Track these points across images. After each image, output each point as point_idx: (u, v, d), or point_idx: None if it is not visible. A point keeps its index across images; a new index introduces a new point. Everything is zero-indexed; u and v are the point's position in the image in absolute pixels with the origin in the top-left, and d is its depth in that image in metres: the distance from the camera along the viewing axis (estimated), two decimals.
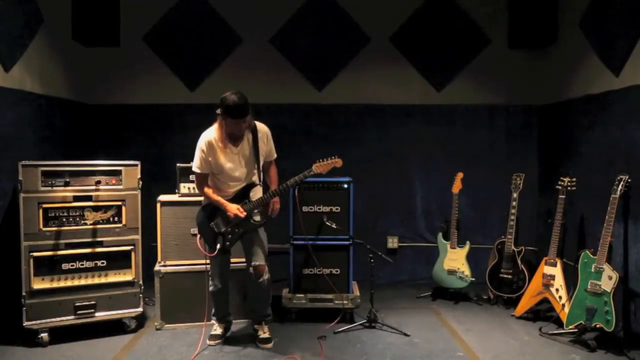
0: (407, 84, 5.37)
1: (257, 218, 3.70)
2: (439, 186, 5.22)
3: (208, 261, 3.74)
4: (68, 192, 3.76)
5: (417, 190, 5.43)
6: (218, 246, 3.57)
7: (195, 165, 3.59)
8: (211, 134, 3.57)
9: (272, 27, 5.28)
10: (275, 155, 3.78)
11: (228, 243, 3.62)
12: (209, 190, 3.61)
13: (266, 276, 3.73)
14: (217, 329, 3.84)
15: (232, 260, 3.85)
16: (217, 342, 3.77)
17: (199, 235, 3.72)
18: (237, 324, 4.04)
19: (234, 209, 3.53)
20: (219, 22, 5.27)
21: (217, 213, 3.62)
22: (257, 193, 3.70)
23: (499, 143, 5.38)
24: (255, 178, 3.70)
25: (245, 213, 3.55)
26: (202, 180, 3.64)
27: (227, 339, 3.85)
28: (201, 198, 3.74)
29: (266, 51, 5.28)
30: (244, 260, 3.85)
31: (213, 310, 3.86)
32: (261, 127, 3.67)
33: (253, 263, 3.69)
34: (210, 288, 3.77)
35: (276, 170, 3.81)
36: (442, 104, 5.37)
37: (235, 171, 3.60)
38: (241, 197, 3.64)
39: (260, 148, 3.64)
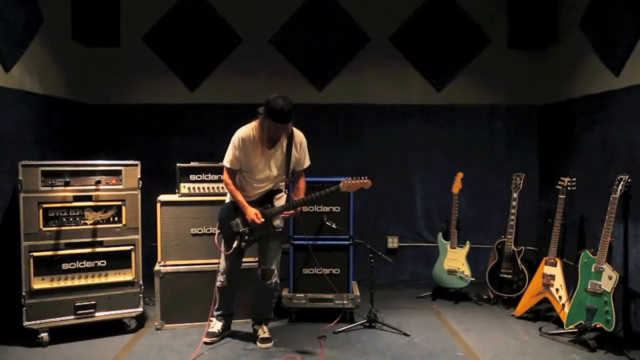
0: (407, 84, 5.37)
1: (277, 223, 3.68)
2: (439, 186, 5.22)
3: (217, 260, 3.76)
4: (68, 192, 3.76)
5: (417, 190, 5.43)
6: (234, 245, 3.57)
7: (226, 160, 3.59)
8: (247, 131, 3.56)
9: (272, 27, 5.29)
10: (307, 164, 3.74)
11: (244, 244, 3.61)
12: (234, 189, 3.60)
13: (274, 279, 3.74)
14: (215, 327, 3.82)
15: (244, 259, 3.84)
16: (213, 339, 3.76)
17: (218, 231, 3.72)
18: (237, 324, 4.04)
19: (252, 213, 3.52)
20: (219, 22, 5.27)
21: (239, 212, 3.61)
22: (281, 200, 3.68)
23: (499, 143, 5.39)
24: (282, 184, 3.68)
25: (263, 220, 3.53)
26: (230, 176, 3.62)
27: (226, 339, 3.84)
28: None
29: (266, 51, 5.29)
30: (254, 260, 3.86)
31: (216, 306, 3.85)
32: (298, 134, 3.66)
33: (263, 266, 3.71)
34: (218, 283, 3.78)
35: (305, 182, 3.78)
36: (442, 104, 5.37)
37: (262, 173, 3.59)
38: (264, 201, 3.63)
39: (293, 155, 3.62)
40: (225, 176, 3.64)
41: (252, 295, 3.89)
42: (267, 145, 3.54)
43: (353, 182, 3.55)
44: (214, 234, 3.85)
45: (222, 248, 3.68)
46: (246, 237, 3.60)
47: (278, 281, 3.80)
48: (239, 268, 3.79)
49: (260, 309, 3.86)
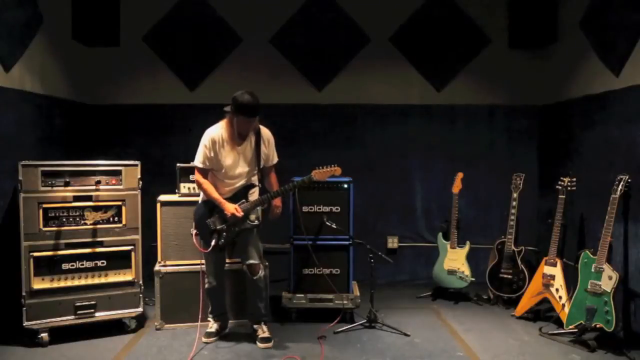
0: (407, 84, 5.37)
1: (253, 218, 3.71)
2: (439, 186, 5.22)
3: (197, 260, 3.78)
4: (68, 192, 3.76)
5: (417, 190, 5.43)
6: (213, 243, 3.60)
7: (197, 160, 3.64)
8: (216, 130, 3.63)
9: (272, 27, 5.29)
10: (276, 160, 3.82)
11: (223, 241, 3.64)
12: (209, 187, 3.63)
13: (262, 273, 3.76)
14: (213, 327, 3.86)
15: (233, 260, 3.86)
16: (212, 339, 3.79)
17: (195, 231, 3.74)
18: (237, 324, 4.04)
19: (231, 208, 3.56)
20: (219, 22, 5.27)
21: (215, 210, 3.65)
22: (255, 194, 3.74)
23: (499, 143, 5.38)
24: (254, 179, 3.74)
25: (242, 213, 3.58)
26: (203, 175, 3.67)
27: (226, 339, 3.85)
28: (199, 198, 3.77)
29: (266, 51, 5.29)
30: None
31: (210, 308, 3.89)
32: (265, 131, 3.73)
33: (247, 262, 3.72)
34: (206, 286, 3.81)
35: (275, 176, 3.86)
36: (442, 104, 5.37)
37: (234, 170, 3.64)
38: (239, 196, 3.68)
39: (262, 151, 3.69)
40: (198, 176, 3.68)
41: (246, 295, 3.89)
42: (237, 142, 3.61)
43: (323, 170, 3.64)
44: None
45: (202, 247, 3.70)
46: (224, 234, 3.63)
47: (266, 274, 3.81)
48: (223, 267, 3.84)
49: (254, 307, 3.84)
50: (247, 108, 3.48)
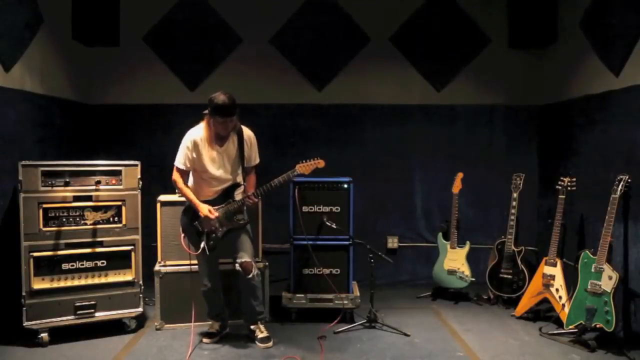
0: (407, 84, 5.37)
1: (240, 217, 3.71)
2: (439, 186, 5.22)
3: (194, 261, 3.78)
4: (68, 192, 3.76)
5: (417, 190, 5.43)
6: (202, 244, 3.61)
7: (178, 161, 3.65)
8: (197, 132, 3.64)
9: (272, 27, 5.28)
10: (257, 161, 3.81)
11: (212, 242, 3.64)
12: (183, 186, 3.65)
13: (255, 271, 3.73)
14: (213, 327, 3.87)
15: (226, 260, 3.85)
16: (212, 340, 3.79)
17: (182, 235, 3.75)
18: (237, 324, 4.04)
19: (205, 210, 3.58)
20: (219, 22, 5.27)
21: None
22: (241, 193, 3.74)
23: (499, 143, 5.38)
24: (239, 178, 3.74)
25: (216, 214, 3.58)
26: (181, 176, 3.67)
27: (226, 339, 3.85)
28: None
29: (266, 51, 5.28)
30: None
31: (208, 310, 3.89)
32: (247, 131, 3.74)
33: (239, 260, 3.70)
34: (202, 288, 3.80)
35: (255, 177, 3.83)
36: (442, 104, 5.36)
37: (218, 170, 3.65)
38: (225, 196, 3.69)
39: (245, 151, 3.70)
40: (175, 176, 3.67)
41: (241, 295, 3.87)
42: (217, 143, 3.62)
43: (306, 164, 3.66)
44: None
45: (192, 250, 3.70)
46: (213, 234, 3.64)
47: (259, 272, 3.81)
48: (216, 267, 3.83)
49: (249, 307, 3.83)
50: (221, 109, 3.47)
